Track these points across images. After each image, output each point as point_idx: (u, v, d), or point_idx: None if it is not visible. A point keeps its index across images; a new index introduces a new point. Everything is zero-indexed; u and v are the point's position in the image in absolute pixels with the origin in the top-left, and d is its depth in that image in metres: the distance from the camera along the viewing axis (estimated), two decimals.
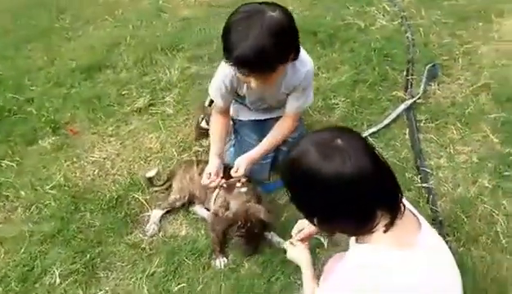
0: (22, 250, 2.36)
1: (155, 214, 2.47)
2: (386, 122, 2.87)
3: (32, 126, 3.07)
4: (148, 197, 2.58)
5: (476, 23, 3.62)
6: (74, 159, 2.84)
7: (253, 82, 2.05)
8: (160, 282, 2.21)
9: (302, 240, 2.05)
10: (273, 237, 2.34)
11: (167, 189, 2.60)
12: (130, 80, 3.37)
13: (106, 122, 3.07)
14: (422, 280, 1.50)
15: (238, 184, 2.35)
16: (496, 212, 2.37)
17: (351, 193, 1.45)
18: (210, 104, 2.72)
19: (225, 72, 2.26)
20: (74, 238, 2.40)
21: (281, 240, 2.30)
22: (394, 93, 3.09)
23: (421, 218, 1.63)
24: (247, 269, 2.25)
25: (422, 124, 2.88)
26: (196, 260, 2.29)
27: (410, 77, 3.18)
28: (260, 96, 2.45)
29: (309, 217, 1.66)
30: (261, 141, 2.50)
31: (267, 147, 2.44)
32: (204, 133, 2.86)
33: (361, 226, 1.54)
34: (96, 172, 2.75)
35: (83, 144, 2.93)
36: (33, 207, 2.56)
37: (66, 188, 2.65)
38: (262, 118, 2.65)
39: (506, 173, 2.56)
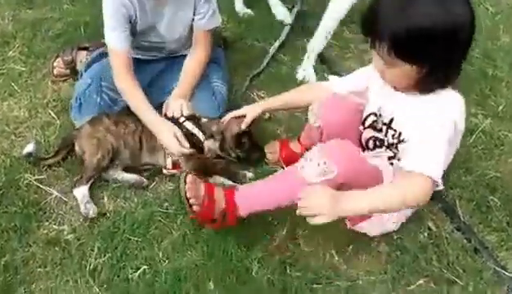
0: None
1: (81, 192, 1.84)
2: (286, 32, 2.72)
3: None
4: (44, 176, 1.94)
5: None
6: None
7: None
8: (111, 274, 1.68)
9: None
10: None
11: (63, 159, 1.98)
12: None
13: None
14: None
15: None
16: None
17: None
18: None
19: None
20: None
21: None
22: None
23: None
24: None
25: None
26: (144, 234, 1.80)
27: None
28: (152, 22, 2.05)
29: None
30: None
31: (190, 84, 2.13)
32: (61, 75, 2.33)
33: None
34: None
35: None
36: None
37: None
38: (148, 56, 2.24)
39: None
